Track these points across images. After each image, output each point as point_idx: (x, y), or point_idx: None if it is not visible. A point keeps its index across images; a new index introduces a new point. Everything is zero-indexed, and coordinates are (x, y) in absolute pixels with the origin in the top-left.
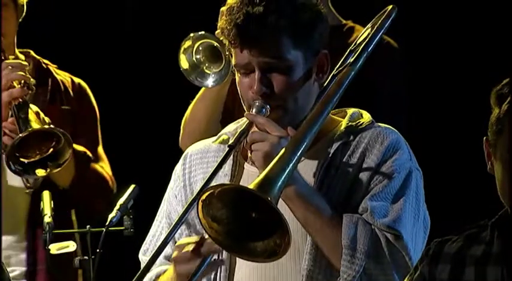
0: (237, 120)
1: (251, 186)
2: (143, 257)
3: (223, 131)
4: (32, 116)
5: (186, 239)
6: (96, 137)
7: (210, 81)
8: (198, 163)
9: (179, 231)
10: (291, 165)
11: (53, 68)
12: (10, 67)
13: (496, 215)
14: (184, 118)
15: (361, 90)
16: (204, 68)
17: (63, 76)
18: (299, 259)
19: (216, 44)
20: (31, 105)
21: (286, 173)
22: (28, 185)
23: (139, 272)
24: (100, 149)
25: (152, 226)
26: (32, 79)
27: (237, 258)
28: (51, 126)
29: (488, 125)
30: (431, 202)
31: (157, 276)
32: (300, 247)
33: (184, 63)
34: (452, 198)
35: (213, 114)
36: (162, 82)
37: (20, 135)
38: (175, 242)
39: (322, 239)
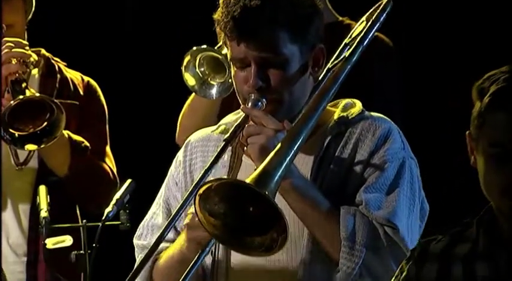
0: (236, 111)
1: (248, 180)
2: (138, 242)
3: (222, 121)
4: (28, 92)
5: None
6: (103, 134)
7: (215, 92)
8: (198, 150)
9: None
10: (287, 159)
11: (62, 66)
12: (9, 44)
13: (481, 211)
14: (181, 114)
15: (357, 89)
16: (209, 79)
17: (73, 74)
18: (296, 252)
19: (217, 55)
20: (30, 89)
21: (283, 167)
22: (17, 162)
23: (140, 260)
24: (107, 149)
25: (150, 210)
26: (31, 58)
27: (232, 252)
28: (44, 95)
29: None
30: (428, 190)
31: (159, 251)
32: (297, 240)
33: (190, 80)
34: (449, 187)
35: (211, 110)
36: (159, 77)
37: (11, 103)
38: (176, 229)
39: (320, 232)
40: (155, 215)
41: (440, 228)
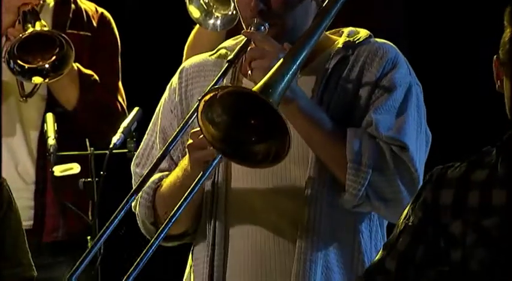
0: (235, 37)
1: (253, 89)
2: (136, 169)
3: (221, 45)
4: (39, 25)
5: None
6: (115, 68)
7: (219, 24)
8: (195, 76)
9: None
10: (290, 72)
11: None
12: None
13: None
14: (187, 43)
15: (359, 21)
16: (213, 10)
17: (88, 5)
18: (300, 174)
19: None
20: (41, 21)
21: (285, 80)
22: (23, 93)
23: (135, 186)
24: (119, 83)
25: (144, 138)
26: None
27: (234, 170)
28: (53, 30)
29: (500, 43)
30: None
31: (160, 179)
32: (302, 163)
33: (194, 12)
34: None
35: (217, 39)
36: (166, 6)
37: (20, 35)
38: (171, 157)
39: (326, 154)
40: (152, 143)
41: (458, 157)
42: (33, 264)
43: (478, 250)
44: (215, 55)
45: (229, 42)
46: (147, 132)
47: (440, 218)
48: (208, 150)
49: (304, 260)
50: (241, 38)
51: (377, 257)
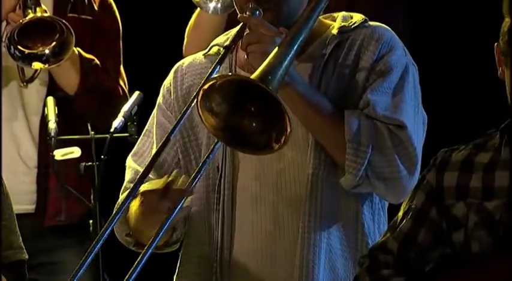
0: (226, 33)
1: (252, 77)
2: (131, 163)
3: (213, 42)
4: (39, 10)
5: (153, 184)
6: (116, 52)
7: (219, 8)
8: (190, 74)
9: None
10: (288, 58)
11: None
12: None
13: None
14: (188, 26)
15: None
16: None
17: None
18: (301, 159)
19: None
20: (42, 7)
21: (284, 66)
22: (23, 78)
23: (132, 186)
24: (120, 67)
25: (141, 137)
26: None
27: (240, 159)
28: (54, 16)
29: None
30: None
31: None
32: (302, 147)
33: None
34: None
35: (218, 23)
36: None
37: (21, 21)
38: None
39: (325, 137)
40: (149, 144)
41: (463, 140)
42: (23, 247)
43: (480, 232)
44: (208, 53)
45: (221, 39)
46: (143, 133)
47: (443, 200)
48: (159, 214)
49: (307, 244)
50: (232, 33)
51: (381, 238)
